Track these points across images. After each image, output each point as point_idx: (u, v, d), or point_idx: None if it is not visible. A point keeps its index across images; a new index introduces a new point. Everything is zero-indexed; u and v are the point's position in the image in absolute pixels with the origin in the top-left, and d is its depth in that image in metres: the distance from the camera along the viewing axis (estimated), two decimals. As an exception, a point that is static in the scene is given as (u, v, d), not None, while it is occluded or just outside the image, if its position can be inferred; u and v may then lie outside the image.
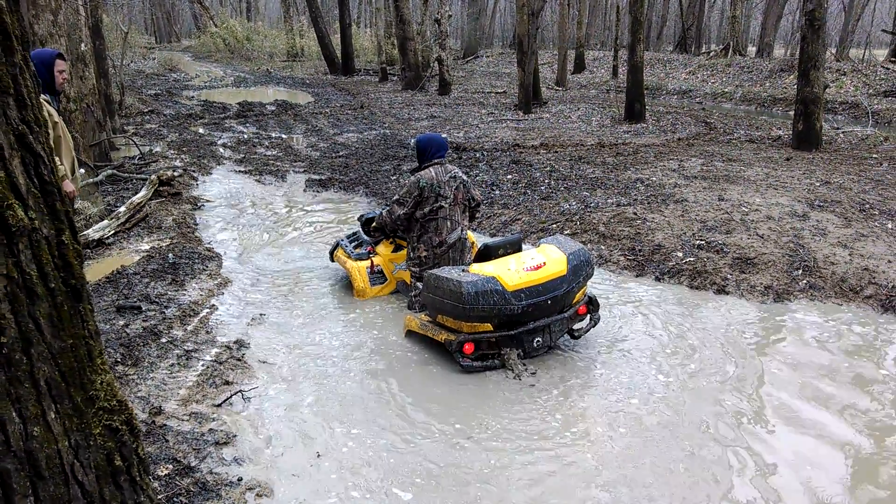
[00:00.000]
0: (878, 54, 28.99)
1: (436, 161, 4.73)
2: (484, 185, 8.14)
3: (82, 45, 8.59)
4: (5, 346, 1.29)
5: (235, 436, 3.29)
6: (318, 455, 3.17)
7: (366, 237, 5.31)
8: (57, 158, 4.38)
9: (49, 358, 1.37)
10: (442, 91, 19.69)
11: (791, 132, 10.93)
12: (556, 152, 10.21)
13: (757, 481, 3.00)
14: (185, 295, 4.92)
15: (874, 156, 9.60)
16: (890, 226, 5.91)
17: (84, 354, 1.45)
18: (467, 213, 4.88)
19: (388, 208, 4.83)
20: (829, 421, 3.48)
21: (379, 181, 8.73)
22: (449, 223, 4.68)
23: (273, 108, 15.96)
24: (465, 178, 4.80)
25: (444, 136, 5.14)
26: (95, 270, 5.35)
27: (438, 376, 3.97)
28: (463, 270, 3.96)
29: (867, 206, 6.44)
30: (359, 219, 5.52)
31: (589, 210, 6.77)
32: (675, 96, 20.26)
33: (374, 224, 5.09)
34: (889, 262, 5.21)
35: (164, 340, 4.17)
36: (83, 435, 1.45)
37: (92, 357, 1.48)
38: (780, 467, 3.10)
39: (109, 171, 8.46)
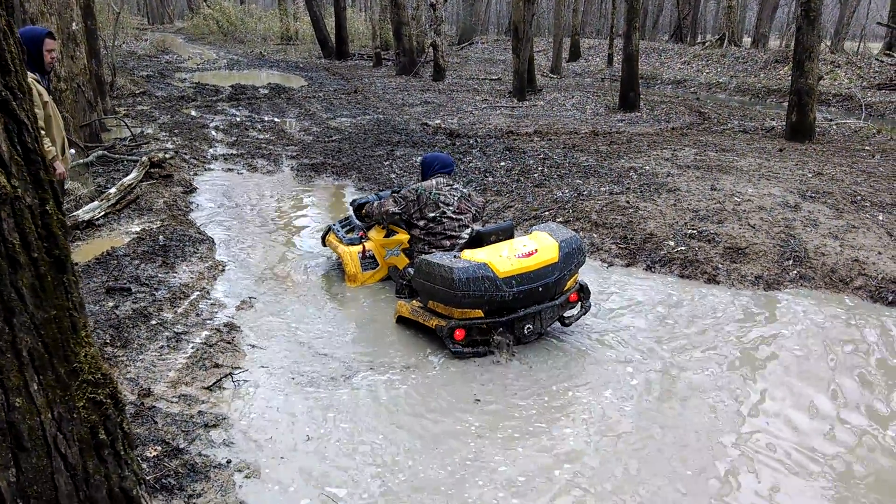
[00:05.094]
0: (872, 47, 29.04)
1: (438, 174, 4.79)
2: (477, 172, 8.12)
3: (73, 24, 8.48)
4: (-14, 315, 1.28)
5: (225, 418, 3.29)
6: (308, 438, 3.17)
7: (358, 222, 5.29)
8: (48, 138, 4.33)
9: (32, 328, 1.35)
10: (436, 77, 19.59)
11: (784, 123, 10.94)
12: (550, 140, 10.19)
13: (748, 473, 3.03)
14: (175, 277, 4.89)
15: (866, 148, 9.63)
16: (881, 217, 5.94)
17: (68, 326, 1.43)
18: (475, 222, 4.78)
19: (380, 200, 4.85)
20: (819, 408, 3.50)
21: (372, 166, 8.70)
22: (457, 224, 4.64)
23: (266, 92, 15.84)
24: (465, 190, 4.80)
25: (448, 154, 5.09)
26: (85, 252, 5.31)
27: (428, 362, 3.97)
28: (454, 257, 3.95)
29: (859, 197, 6.46)
30: (351, 203, 5.49)
31: (582, 198, 6.76)
32: (670, 86, 20.25)
33: (363, 211, 5.09)
34: (879, 253, 5.24)
35: (153, 322, 4.15)
36: (67, 407, 1.43)
37: (76, 329, 1.46)
38: (772, 457, 3.12)
39: (100, 153, 8.39)
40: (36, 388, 1.36)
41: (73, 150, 6.31)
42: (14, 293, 1.32)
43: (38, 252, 1.35)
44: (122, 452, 1.60)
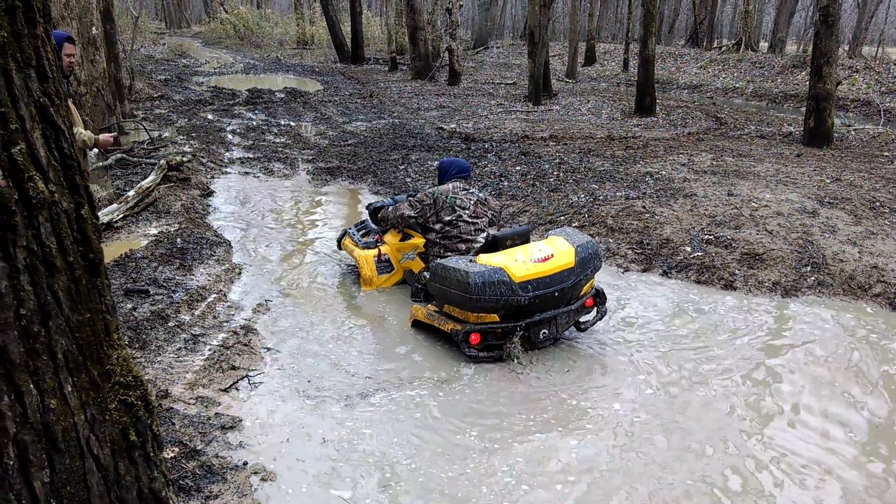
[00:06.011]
0: (891, 52, 28.73)
1: (455, 178, 4.81)
2: (492, 177, 8.13)
3: (93, 28, 8.59)
4: (24, 317, 1.30)
5: (241, 420, 3.31)
6: (324, 441, 3.18)
7: (374, 226, 5.31)
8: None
9: (67, 331, 1.38)
10: (452, 81, 19.61)
11: (802, 128, 10.86)
12: (566, 144, 10.18)
13: (764, 483, 3.01)
14: (192, 280, 4.94)
15: (885, 153, 9.53)
16: (900, 224, 5.88)
17: (101, 329, 1.46)
18: (491, 227, 4.80)
19: (396, 204, 4.89)
20: (835, 416, 3.47)
21: (387, 170, 8.73)
22: (473, 228, 4.65)
23: (282, 96, 15.93)
24: (482, 194, 4.81)
25: (464, 160, 5.12)
26: (104, 253, 5.36)
27: (444, 367, 3.97)
28: (470, 261, 3.96)
29: (877, 203, 6.40)
30: (367, 207, 5.52)
31: (597, 203, 6.75)
32: (686, 91, 20.15)
33: (379, 214, 5.11)
34: (899, 260, 5.18)
35: (171, 324, 4.19)
36: (99, 409, 1.46)
37: (109, 332, 1.49)
38: (785, 465, 3.10)
39: (119, 156, 8.48)
40: (70, 389, 1.39)
41: (93, 152, 6.39)
42: (50, 296, 1.34)
43: (73, 256, 1.38)
44: (152, 454, 1.62)
